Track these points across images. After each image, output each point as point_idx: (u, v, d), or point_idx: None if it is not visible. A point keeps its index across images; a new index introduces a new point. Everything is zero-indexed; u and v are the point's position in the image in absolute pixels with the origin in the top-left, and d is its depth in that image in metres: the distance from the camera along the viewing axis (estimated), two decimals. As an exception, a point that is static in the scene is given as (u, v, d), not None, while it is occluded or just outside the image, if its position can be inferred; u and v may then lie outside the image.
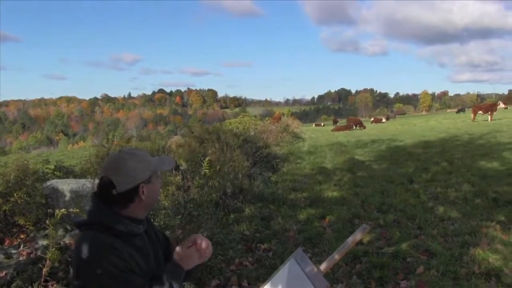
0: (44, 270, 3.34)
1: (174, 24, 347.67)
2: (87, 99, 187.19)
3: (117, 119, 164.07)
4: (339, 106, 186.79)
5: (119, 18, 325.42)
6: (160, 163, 1.73)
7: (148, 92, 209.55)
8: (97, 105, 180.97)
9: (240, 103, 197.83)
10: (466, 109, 67.24)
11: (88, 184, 5.06)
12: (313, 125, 57.39)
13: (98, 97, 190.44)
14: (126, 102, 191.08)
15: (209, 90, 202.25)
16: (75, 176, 6.16)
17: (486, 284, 3.85)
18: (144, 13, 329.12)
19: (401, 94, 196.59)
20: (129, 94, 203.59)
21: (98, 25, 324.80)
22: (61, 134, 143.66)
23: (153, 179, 1.68)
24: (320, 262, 2.21)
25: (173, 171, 6.85)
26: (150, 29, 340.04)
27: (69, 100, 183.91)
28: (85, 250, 1.51)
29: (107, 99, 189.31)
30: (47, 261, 3.35)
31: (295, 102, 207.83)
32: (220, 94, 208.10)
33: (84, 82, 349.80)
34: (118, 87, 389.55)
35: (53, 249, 3.38)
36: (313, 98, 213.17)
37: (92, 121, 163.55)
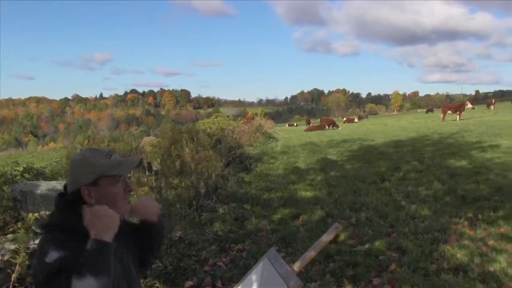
0: (13, 276, 3.24)
1: (144, 24, 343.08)
2: (58, 99, 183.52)
3: (89, 119, 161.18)
4: (312, 106, 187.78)
5: (89, 17, 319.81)
6: (111, 167, 1.63)
7: (120, 92, 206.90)
8: (68, 106, 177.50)
9: (213, 103, 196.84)
10: (434, 109, 68.65)
11: (59, 187, 4.95)
12: (286, 125, 57.52)
13: (69, 97, 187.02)
14: (98, 103, 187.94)
15: (182, 90, 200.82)
16: (45, 178, 6.03)
17: (454, 279, 3.94)
18: (114, 12, 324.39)
19: (373, 94, 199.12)
20: (101, 95, 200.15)
21: (68, 24, 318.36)
22: (30, 135, 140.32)
23: (102, 182, 1.60)
24: (294, 262, 2.22)
25: (146, 171, 6.78)
26: (120, 29, 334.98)
27: (39, 100, 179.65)
28: (38, 249, 1.50)
29: (78, 99, 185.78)
30: (17, 267, 3.25)
31: (268, 102, 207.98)
32: (193, 95, 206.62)
33: (54, 82, 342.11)
34: (90, 87, 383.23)
35: (24, 253, 3.28)
36: (286, 98, 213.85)
37: (63, 122, 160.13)
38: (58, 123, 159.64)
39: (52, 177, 6.33)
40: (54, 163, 7.79)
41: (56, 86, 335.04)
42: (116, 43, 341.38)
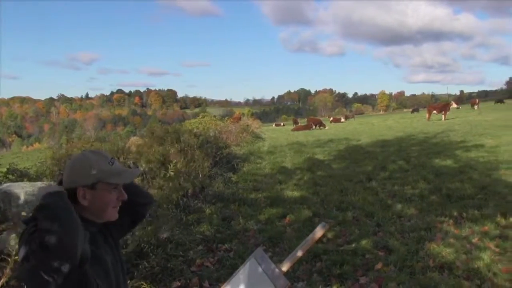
0: (3, 280, 3.19)
1: (130, 24, 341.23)
2: (43, 99, 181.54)
3: (74, 120, 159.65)
4: (298, 106, 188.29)
5: (75, 16, 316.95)
6: (111, 175, 1.63)
7: (107, 92, 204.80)
8: (53, 106, 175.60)
9: (200, 103, 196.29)
10: (420, 109, 69.30)
11: (44, 187, 4.91)
12: (273, 125, 57.58)
13: (54, 97, 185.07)
14: (84, 103, 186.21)
15: (169, 90, 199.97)
16: (30, 179, 5.95)
17: (440, 277, 3.98)
18: (100, 12, 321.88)
19: (359, 94, 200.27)
20: (87, 95, 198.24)
21: (53, 23, 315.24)
22: (14, 135, 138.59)
23: (99, 186, 1.60)
24: (281, 261, 2.22)
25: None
26: (106, 28, 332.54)
27: (23, 100, 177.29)
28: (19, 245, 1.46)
29: (63, 99, 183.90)
30: (7, 270, 3.20)
31: (255, 102, 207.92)
32: (180, 95, 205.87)
33: (39, 82, 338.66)
34: (75, 87, 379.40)
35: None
36: (273, 98, 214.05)
37: (48, 122, 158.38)
38: (43, 123, 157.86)
39: (37, 178, 6.25)
40: (39, 164, 7.68)
41: (41, 86, 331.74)
42: (102, 43, 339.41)
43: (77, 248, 1.33)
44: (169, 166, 6.99)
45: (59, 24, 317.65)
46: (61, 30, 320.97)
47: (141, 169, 7.17)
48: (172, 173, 6.94)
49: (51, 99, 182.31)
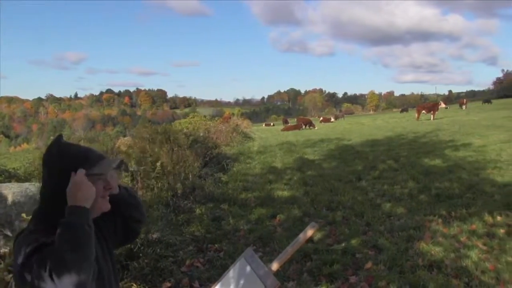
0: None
1: (119, 23, 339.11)
2: (31, 99, 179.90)
3: (63, 120, 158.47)
4: (288, 106, 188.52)
5: (63, 15, 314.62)
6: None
7: (96, 92, 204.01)
8: (41, 106, 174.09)
9: (190, 103, 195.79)
10: (409, 109, 69.76)
11: (32, 188, 4.85)
12: (263, 125, 57.63)
13: (43, 97, 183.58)
14: (73, 103, 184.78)
15: (159, 90, 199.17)
16: (18, 180, 5.89)
17: (429, 275, 4.01)
18: (88, 11, 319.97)
19: (349, 94, 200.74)
20: (76, 94, 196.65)
21: (41, 22, 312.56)
22: (1, 135, 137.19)
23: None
24: (271, 261, 2.22)
25: (122, 172, 6.69)
26: (94, 28, 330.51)
27: (11, 100, 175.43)
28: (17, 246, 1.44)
29: (52, 99, 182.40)
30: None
31: (245, 102, 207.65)
32: (170, 95, 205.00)
33: (27, 82, 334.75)
34: (64, 87, 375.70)
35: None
36: (263, 98, 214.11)
37: (36, 122, 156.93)
38: (32, 123, 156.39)
39: (26, 178, 6.19)
40: (28, 165, 7.60)
41: (29, 86, 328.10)
42: (90, 43, 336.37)
43: (86, 285, 1.32)
44: (158, 166, 6.97)
45: (47, 24, 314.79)
46: (49, 30, 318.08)
47: (131, 169, 7.13)
48: (160, 172, 6.92)
49: (39, 99, 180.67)
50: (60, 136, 1.60)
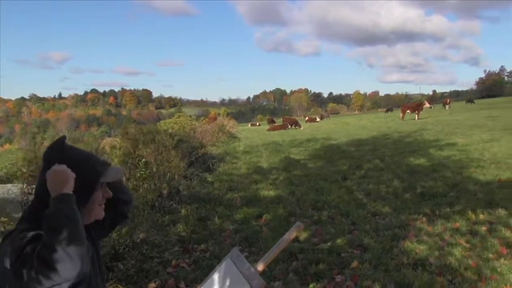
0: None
1: (104, 23, 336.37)
2: (13, 99, 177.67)
3: (47, 120, 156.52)
4: (274, 106, 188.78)
5: (46, 14, 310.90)
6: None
7: (80, 92, 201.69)
8: (24, 106, 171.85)
9: (175, 103, 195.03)
10: (394, 109, 70.35)
11: (15, 190, 4.80)
12: (249, 125, 57.61)
13: (26, 97, 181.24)
14: (57, 103, 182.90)
15: (144, 90, 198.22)
16: (1, 181, 5.82)
17: (413, 273, 4.05)
18: (72, 11, 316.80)
19: (334, 94, 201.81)
20: (60, 94, 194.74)
21: (24, 21, 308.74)
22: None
23: None
24: (257, 261, 2.22)
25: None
26: (80, 27, 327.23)
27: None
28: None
29: (35, 99, 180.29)
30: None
31: (231, 102, 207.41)
32: (155, 94, 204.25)
33: (10, 81, 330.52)
34: (48, 87, 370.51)
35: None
36: (249, 98, 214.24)
37: (19, 123, 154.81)
38: (14, 123, 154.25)
39: (8, 180, 6.11)
40: (10, 165, 7.50)
41: (12, 85, 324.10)
42: (76, 42, 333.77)
43: (81, 271, 1.30)
44: (143, 166, 6.92)
45: (30, 23, 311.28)
46: (32, 29, 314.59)
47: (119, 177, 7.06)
48: (145, 173, 6.87)
49: (22, 98, 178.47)
50: (64, 137, 1.57)
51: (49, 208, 1.35)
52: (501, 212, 5.70)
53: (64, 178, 1.42)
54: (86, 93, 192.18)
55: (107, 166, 1.61)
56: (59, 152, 1.51)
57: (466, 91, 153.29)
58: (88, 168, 1.54)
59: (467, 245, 4.70)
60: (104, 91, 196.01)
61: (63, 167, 1.44)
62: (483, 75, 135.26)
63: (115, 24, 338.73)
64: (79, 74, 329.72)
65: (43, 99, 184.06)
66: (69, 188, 1.41)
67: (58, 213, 1.34)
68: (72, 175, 1.44)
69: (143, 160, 7.18)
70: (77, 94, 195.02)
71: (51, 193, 1.40)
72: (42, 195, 1.47)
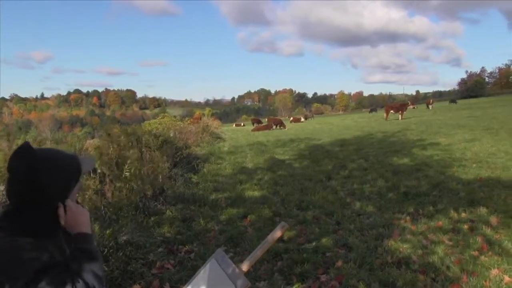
0: None
1: (84, 22, 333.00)
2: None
3: (29, 120, 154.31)
4: (259, 106, 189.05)
5: (25, 13, 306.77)
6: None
7: (63, 92, 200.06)
8: (5, 106, 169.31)
9: (159, 103, 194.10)
10: (378, 109, 70.94)
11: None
12: (234, 125, 57.55)
13: (7, 97, 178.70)
14: (39, 103, 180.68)
15: (128, 90, 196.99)
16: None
17: (397, 272, 4.08)
18: (52, 9, 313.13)
19: (319, 94, 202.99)
20: (42, 95, 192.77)
21: (2, 20, 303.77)
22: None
23: None
24: (242, 261, 2.22)
25: (91, 174, 6.56)
26: (60, 27, 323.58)
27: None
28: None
29: (17, 99, 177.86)
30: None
31: (216, 102, 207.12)
32: (139, 95, 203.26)
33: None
34: (30, 87, 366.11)
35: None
36: (233, 98, 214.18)
37: (0, 123, 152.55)
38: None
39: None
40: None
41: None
42: (56, 42, 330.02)
43: None
44: (126, 167, 6.86)
45: (7, 22, 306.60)
46: (10, 28, 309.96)
47: (99, 171, 7.00)
48: (128, 174, 6.82)
49: (3, 99, 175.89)
50: (28, 142, 1.52)
51: (80, 244, 1.50)
52: (482, 210, 5.78)
53: (86, 220, 1.56)
54: (69, 93, 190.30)
55: (78, 158, 1.60)
56: (30, 159, 1.47)
57: (449, 91, 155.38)
58: (66, 166, 1.52)
59: (450, 243, 4.75)
60: (88, 92, 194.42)
61: (81, 208, 1.56)
62: (465, 76, 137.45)
63: (96, 23, 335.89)
64: (61, 74, 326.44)
65: (25, 99, 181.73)
66: (89, 228, 1.57)
67: (94, 249, 1.52)
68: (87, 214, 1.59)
69: (128, 161, 7.11)
70: (60, 95, 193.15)
71: (72, 228, 1.52)
72: (16, 202, 1.47)
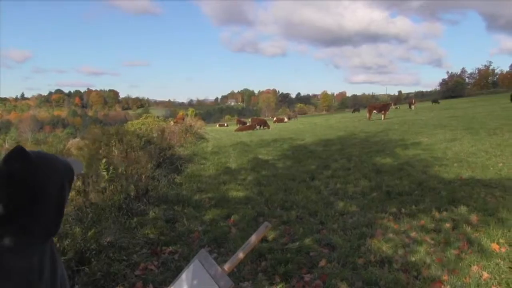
0: None
1: (64, 21, 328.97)
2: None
3: (9, 121, 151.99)
4: (242, 106, 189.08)
5: (3, 11, 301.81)
6: None
7: (44, 92, 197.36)
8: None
9: (142, 104, 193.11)
10: (361, 109, 71.50)
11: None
12: (217, 126, 57.49)
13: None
14: (19, 103, 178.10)
15: (110, 90, 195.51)
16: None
17: (380, 271, 4.11)
18: (31, 7, 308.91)
19: (302, 94, 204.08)
20: (23, 95, 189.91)
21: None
22: None
23: None
24: (226, 262, 2.22)
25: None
26: (39, 25, 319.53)
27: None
28: None
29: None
30: None
31: (199, 102, 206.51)
32: (122, 95, 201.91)
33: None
34: (9, 87, 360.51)
35: None
36: (217, 98, 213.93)
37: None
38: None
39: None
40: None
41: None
42: (35, 41, 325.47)
43: None
44: (110, 168, 6.80)
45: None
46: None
47: (82, 171, 6.92)
48: (112, 175, 6.76)
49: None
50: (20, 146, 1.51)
51: None
52: (463, 209, 5.86)
53: None
54: (50, 93, 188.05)
55: (68, 160, 1.58)
56: (26, 162, 1.45)
57: (430, 91, 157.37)
58: (60, 166, 1.51)
59: (432, 242, 4.80)
60: (69, 92, 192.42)
61: None
62: (446, 77, 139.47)
63: (76, 22, 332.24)
64: (41, 74, 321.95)
65: (5, 99, 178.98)
66: None
67: None
68: None
69: (112, 164, 7.05)
70: (41, 95, 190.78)
71: None
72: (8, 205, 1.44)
